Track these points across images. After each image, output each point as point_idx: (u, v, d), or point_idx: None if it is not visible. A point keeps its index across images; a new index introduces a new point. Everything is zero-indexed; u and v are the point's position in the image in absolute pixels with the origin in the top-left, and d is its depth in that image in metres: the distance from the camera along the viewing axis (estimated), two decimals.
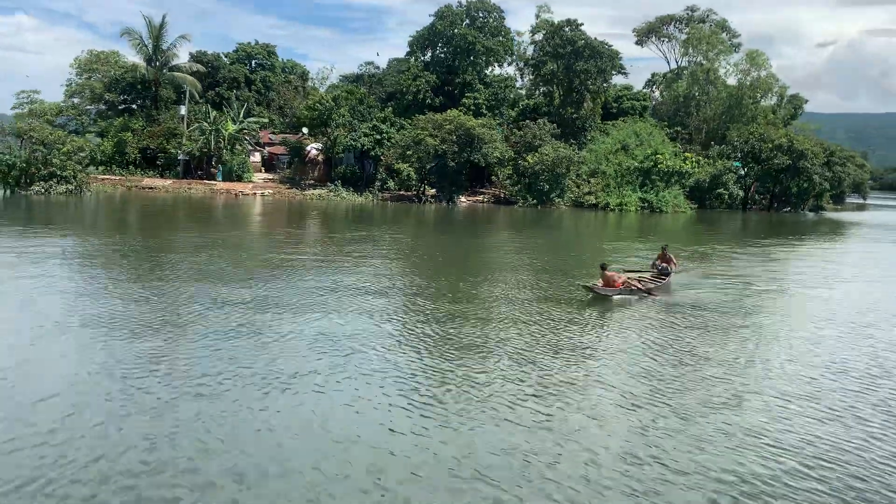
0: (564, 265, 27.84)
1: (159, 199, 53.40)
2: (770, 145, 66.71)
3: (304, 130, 76.70)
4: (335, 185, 59.81)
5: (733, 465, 8.99)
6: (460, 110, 59.91)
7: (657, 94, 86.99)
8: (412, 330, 15.57)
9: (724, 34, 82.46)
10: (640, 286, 21.00)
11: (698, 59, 79.01)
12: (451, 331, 15.53)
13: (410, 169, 56.71)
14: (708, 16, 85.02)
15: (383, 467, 8.57)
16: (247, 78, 78.77)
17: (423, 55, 68.57)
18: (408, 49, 69.23)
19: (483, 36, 65.37)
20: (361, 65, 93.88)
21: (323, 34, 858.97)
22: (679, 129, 75.00)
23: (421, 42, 67.72)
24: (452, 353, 13.64)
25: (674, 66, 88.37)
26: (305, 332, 14.71)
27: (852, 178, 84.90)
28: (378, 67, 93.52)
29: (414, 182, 58.92)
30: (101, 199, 50.68)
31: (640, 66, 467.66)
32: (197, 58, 73.91)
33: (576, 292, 20.50)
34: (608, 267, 20.77)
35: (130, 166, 62.57)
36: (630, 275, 21.87)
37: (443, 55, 67.45)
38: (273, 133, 72.55)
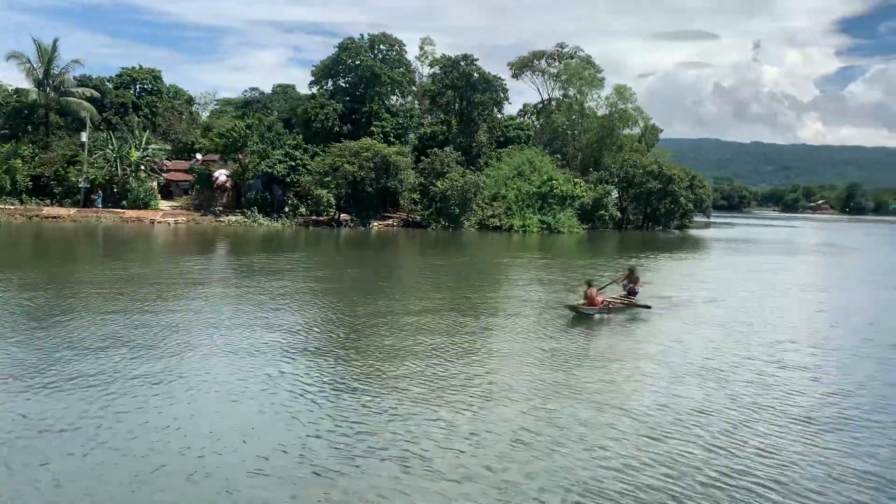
0: (510, 274, 31.48)
1: (72, 229, 51.72)
2: (642, 171, 74.60)
3: (199, 156, 76.10)
4: (251, 211, 60.26)
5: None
6: (374, 139, 62.38)
7: (533, 122, 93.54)
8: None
9: (590, 69, 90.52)
10: (617, 302, 22.29)
11: (572, 93, 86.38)
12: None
13: (329, 195, 58.37)
14: (576, 52, 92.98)
15: None
16: (133, 103, 76.84)
17: (326, 84, 70.45)
18: (311, 78, 70.80)
19: (387, 67, 68.44)
20: (245, 90, 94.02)
21: (158, 54, 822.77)
22: (558, 156, 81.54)
23: (325, 71, 69.61)
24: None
25: (545, 96, 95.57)
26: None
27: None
28: (263, 93, 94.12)
29: (331, 208, 60.49)
30: (13, 231, 48.51)
31: (513, 96, 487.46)
32: (82, 82, 71.31)
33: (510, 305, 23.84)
34: (592, 283, 21.92)
35: (23, 195, 59.58)
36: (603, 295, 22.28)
37: (346, 84, 69.73)
38: (167, 159, 71.31)
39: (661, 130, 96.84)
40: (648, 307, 22.27)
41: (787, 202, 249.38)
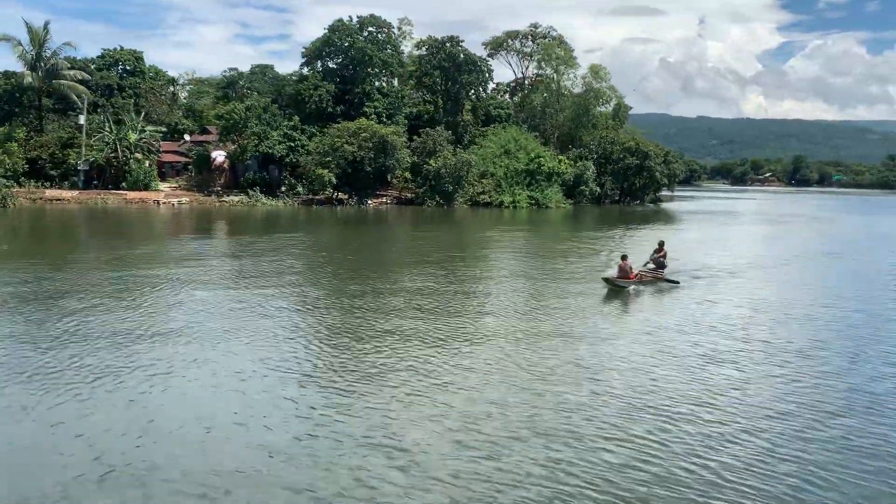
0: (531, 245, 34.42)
1: (88, 211, 52.68)
2: (620, 148, 78.06)
3: (187, 137, 76.83)
4: (253, 191, 61.71)
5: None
6: (370, 119, 64.21)
7: (509, 101, 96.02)
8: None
9: (563, 48, 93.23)
10: (649, 277, 23.45)
11: (549, 72, 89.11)
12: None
13: (331, 174, 60.16)
14: (549, 32, 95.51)
15: None
16: (118, 85, 76.86)
17: (316, 66, 71.69)
18: (303, 59, 71.89)
19: (377, 49, 70.09)
20: (225, 71, 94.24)
21: (95, 29, 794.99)
22: (536, 133, 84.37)
23: (316, 53, 70.85)
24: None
25: (519, 75, 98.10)
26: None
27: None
28: (241, 74, 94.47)
29: (331, 187, 62.22)
30: (26, 214, 49.30)
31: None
32: (71, 65, 71.11)
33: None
34: (626, 257, 23.04)
35: (20, 178, 59.80)
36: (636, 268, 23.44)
37: (336, 66, 71.14)
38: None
39: (631, 108, 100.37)
40: (677, 283, 23.33)
41: (736, 175, 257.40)
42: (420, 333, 15.83)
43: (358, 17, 71.31)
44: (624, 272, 22.27)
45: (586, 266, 28.74)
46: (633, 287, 22.24)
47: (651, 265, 24.59)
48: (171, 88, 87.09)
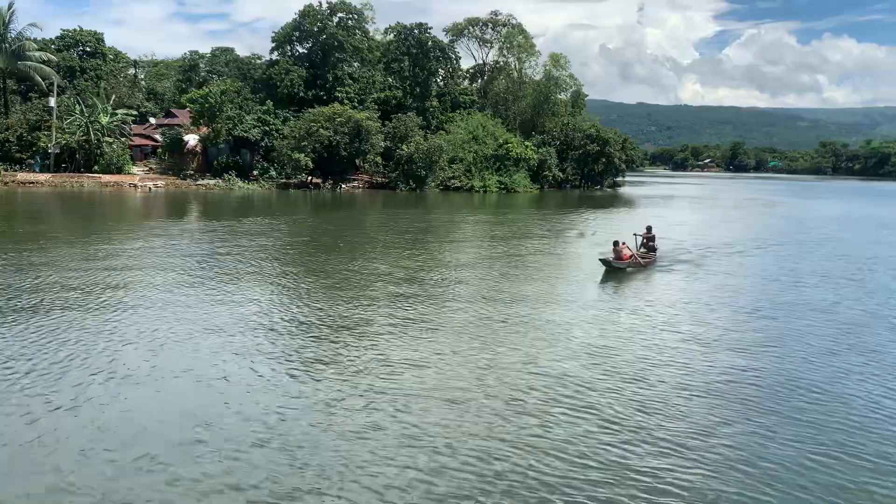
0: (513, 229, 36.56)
1: (66, 195, 52.42)
2: (581, 134, 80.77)
3: (152, 120, 76.32)
4: (229, 175, 62.10)
5: None
6: (342, 105, 65.10)
7: (470, 87, 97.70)
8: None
9: (523, 36, 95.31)
10: (641, 260, 24.56)
11: (511, 60, 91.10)
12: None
13: (307, 158, 60.96)
14: (509, 20, 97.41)
15: None
16: (80, 67, 75.74)
17: (286, 50, 72.06)
18: (272, 44, 72.14)
19: (348, 35, 70.88)
20: (185, 54, 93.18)
21: (22, 4, 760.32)
22: (499, 119, 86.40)
23: (286, 37, 71.20)
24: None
25: (479, 61, 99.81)
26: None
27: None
28: (203, 56, 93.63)
29: (307, 171, 62.96)
30: (12, 197, 48.89)
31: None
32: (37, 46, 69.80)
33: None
34: (619, 242, 23.93)
35: None
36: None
37: (305, 51, 71.67)
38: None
39: (587, 95, 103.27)
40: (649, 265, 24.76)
41: (677, 161, 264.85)
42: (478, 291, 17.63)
43: (328, 2, 71.83)
44: (618, 254, 23.32)
45: (587, 244, 30.92)
46: (629, 268, 23.36)
47: (642, 249, 25.93)
48: (132, 71, 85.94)
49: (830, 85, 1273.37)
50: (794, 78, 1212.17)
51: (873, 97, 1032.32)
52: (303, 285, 19.65)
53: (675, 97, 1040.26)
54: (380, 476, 8.39)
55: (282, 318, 15.67)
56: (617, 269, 22.97)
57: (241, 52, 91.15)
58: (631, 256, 23.80)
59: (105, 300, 16.74)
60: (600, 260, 23.39)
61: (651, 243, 26.35)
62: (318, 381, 11.65)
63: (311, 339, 14.14)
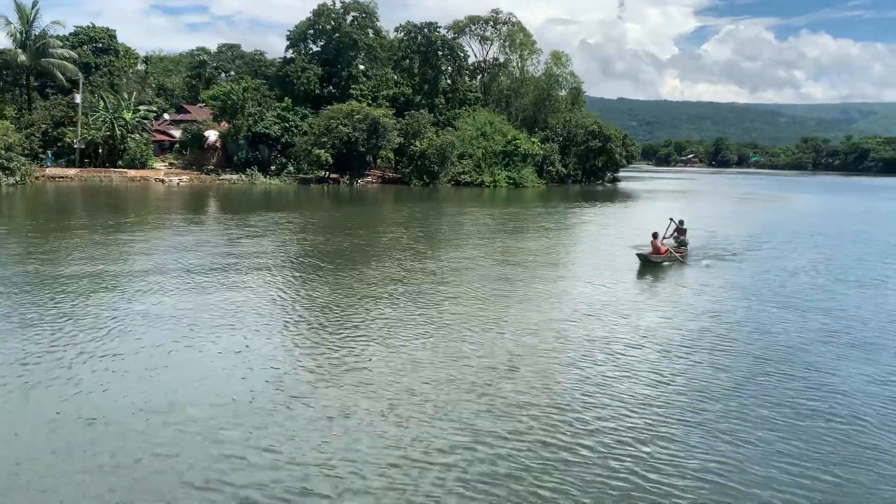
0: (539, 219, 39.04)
1: (102, 188, 54.06)
2: (583, 130, 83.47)
3: (166, 116, 77.88)
4: (251, 170, 64.02)
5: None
6: (359, 102, 67.17)
7: (472, 84, 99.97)
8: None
9: (524, 34, 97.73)
10: (676, 255, 24.66)
11: (514, 58, 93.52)
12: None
13: (327, 154, 62.98)
14: (510, 18, 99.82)
15: None
16: (95, 63, 76.92)
17: (300, 48, 73.92)
18: (287, 42, 74.00)
19: (363, 34, 72.92)
20: (192, 50, 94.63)
21: None
22: (503, 116, 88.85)
23: (300, 36, 73.05)
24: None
25: (480, 58, 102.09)
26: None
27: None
28: (209, 52, 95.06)
29: (327, 166, 64.96)
30: (58, 191, 50.56)
31: None
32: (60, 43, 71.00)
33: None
34: (657, 235, 24.34)
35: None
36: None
37: (319, 49, 73.60)
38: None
39: (585, 92, 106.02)
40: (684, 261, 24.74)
41: (661, 156, 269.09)
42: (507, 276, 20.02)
43: (342, 1, 73.78)
44: (656, 249, 23.80)
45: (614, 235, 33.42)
46: (666, 262, 23.75)
47: (674, 243, 26.21)
48: (142, 67, 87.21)
49: (808, 80, 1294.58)
50: (773, 73, 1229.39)
51: (849, 93, 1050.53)
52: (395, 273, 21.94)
53: (654, 92, 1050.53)
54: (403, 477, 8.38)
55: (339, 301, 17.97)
56: (654, 263, 23.41)
57: (241, 49, 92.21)
58: (667, 251, 24.11)
59: (222, 279, 18.98)
60: (637, 255, 23.95)
61: (682, 237, 26.64)
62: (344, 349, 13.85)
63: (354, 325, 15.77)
